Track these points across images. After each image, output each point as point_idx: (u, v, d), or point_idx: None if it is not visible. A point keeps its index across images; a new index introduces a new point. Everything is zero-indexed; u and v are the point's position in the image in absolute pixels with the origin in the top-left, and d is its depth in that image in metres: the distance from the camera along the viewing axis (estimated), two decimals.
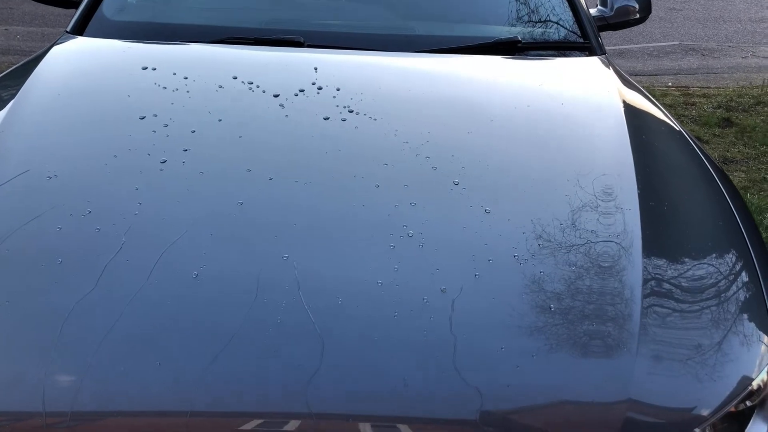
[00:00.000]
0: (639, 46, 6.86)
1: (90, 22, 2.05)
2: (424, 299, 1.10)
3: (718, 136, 4.43)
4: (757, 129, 4.51)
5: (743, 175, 3.85)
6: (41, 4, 2.53)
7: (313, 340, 1.02)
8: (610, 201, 1.37)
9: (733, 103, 5.02)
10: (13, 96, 1.66)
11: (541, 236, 1.25)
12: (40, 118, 1.56)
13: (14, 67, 2.05)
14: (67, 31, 2.07)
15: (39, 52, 2.01)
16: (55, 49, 1.93)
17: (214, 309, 1.09)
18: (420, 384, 1.00)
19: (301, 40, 1.92)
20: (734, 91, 5.36)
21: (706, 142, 4.30)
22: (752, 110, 4.92)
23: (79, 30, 2.03)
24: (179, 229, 1.21)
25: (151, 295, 1.10)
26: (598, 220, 1.31)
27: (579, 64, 2.00)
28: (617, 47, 6.62)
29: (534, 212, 1.31)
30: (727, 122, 4.66)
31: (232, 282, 1.12)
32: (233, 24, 2.04)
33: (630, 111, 1.73)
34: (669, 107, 4.88)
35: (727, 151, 4.18)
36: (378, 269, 1.14)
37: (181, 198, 1.29)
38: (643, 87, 1.94)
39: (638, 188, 1.40)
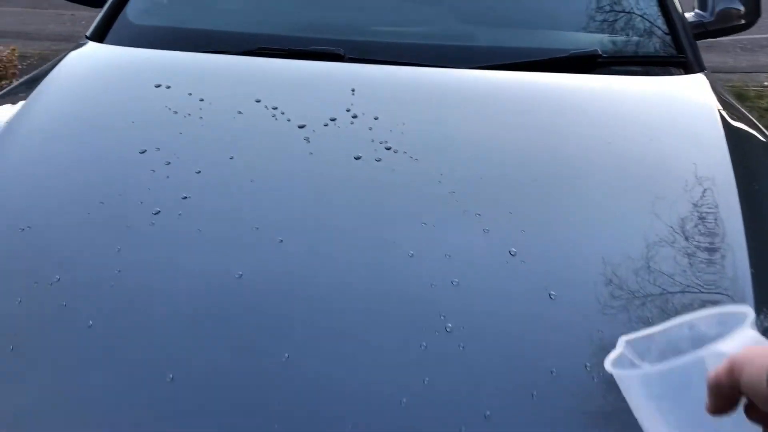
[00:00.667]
0: (731, 38, 6.27)
1: (112, 27, 1.84)
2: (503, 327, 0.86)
3: None
4: None
5: None
6: None
7: None
8: (713, 238, 1.13)
9: None
10: (12, 113, 1.47)
11: (631, 276, 0.98)
12: (29, 147, 1.35)
13: (28, 76, 1.87)
14: (86, 36, 1.87)
15: (55, 59, 1.82)
16: (68, 58, 1.72)
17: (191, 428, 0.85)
18: None
19: (341, 52, 1.65)
20: None
21: None
22: None
23: (100, 35, 1.83)
24: (159, 314, 0.97)
25: (114, 404, 0.87)
26: (700, 259, 1.06)
27: (672, 84, 1.66)
28: (704, 41, 6.07)
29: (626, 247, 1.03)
30: None
31: (214, 397, 0.87)
32: (266, 31, 1.78)
33: (738, 149, 1.40)
34: (765, 111, 4.38)
35: None
36: (403, 383, 0.88)
37: (168, 268, 1.05)
38: (735, 87, 1.62)
39: (744, 225, 1.16)
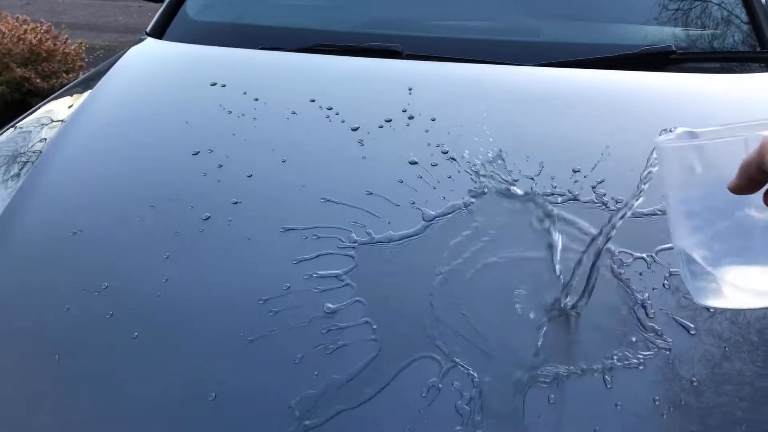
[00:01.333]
0: None
1: (171, 23, 1.85)
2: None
3: None
4: None
5: None
6: None
7: None
8: None
9: None
10: (70, 112, 1.48)
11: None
12: (85, 147, 1.35)
13: (92, 71, 1.89)
14: (146, 32, 1.88)
15: (115, 56, 1.83)
16: (127, 55, 1.73)
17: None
18: None
19: (399, 48, 1.60)
20: None
21: None
22: None
23: (159, 32, 1.84)
24: (204, 328, 0.95)
25: (163, 415, 0.85)
26: None
27: (755, 84, 1.54)
28: None
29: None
30: None
31: (256, 418, 0.84)
32: (323, 27, 1.75)
33: None
34: None
35: None
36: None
37: (215, 279, 1.02)
38: None
39: None
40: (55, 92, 3.37)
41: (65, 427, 0.85)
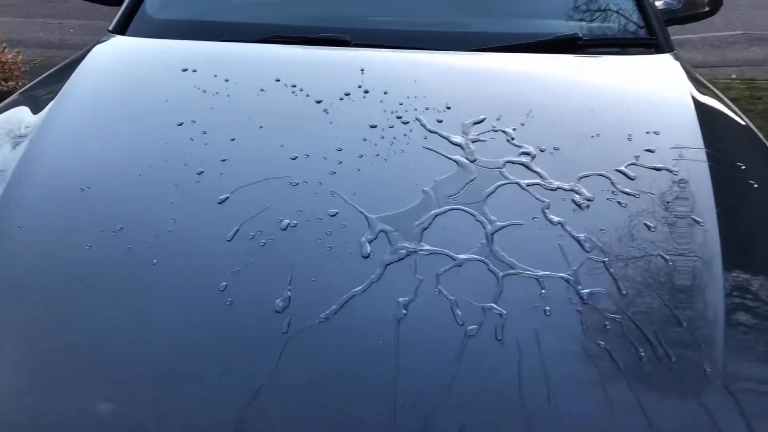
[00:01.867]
0: (700, 35, 6.54)
1: (132, 21, 2.00)
2: (492, 325, 1.00)
3: None
4: None
5: None
6: None
7: None
8: (684, 213, 1.24)
9: None
10: (51, 99, 1.61)
11: (610, 251, 1.13)
12: (76, 124, 1.50)
13: (56, 67, 2.01)
14: (109, 30, 2.02)
15: (80, 52, 1.97)
16: (96, 49, 1.88)
17: (241, 337, 1.01)
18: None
19: (348, 38, 1.82)
20: None
21: None
22: None
23: (122, 29, 1.99)
24: (212, 249, 1.14)
25: (181, 326, 1.03)
26: (672, 233, 1.19)
27: (645, 63, 1.85)
28: (676, 37, 6.34)
29: (602, 224, 1.19)
30: None
31: (266, 312, 1.04)
32: (277, 22, 1.95)
33: (704, 116, 1.58)
34: (733, 101, 4.62)
35: None
36: (427, 297, 1.05)
37: (216, 214, 1.21)
38: (705, 79, 1.78)
39: (714, 198, 1.27)
40: None
41: (100, 342, 1.01)
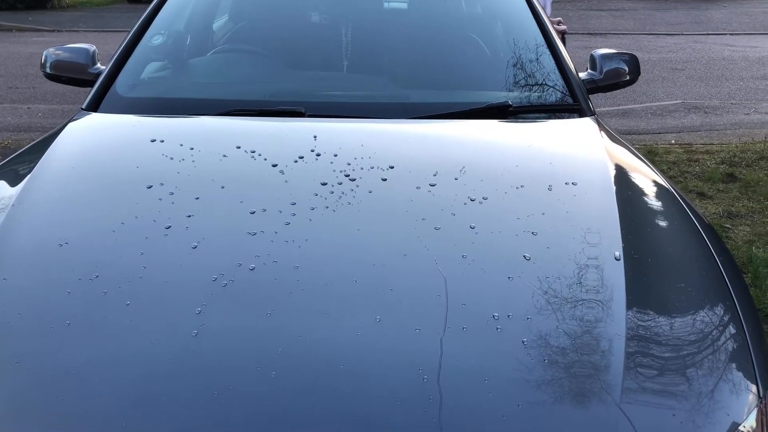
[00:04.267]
0: (642, 105, 6.99)
1: (104, 99, 2.17)
2: (413, 354, 1.15)
3: (722, 191, 4.48)
4: (761, 183, 4.55)
5: (748, 229, 3.87)
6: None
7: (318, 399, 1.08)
8: (594, 255, 1.42)
9: (736, 159, 5.08)
10: (30, 170, 1.76)
11: (526, 291, 1.30)
12: (54, 191, 1.65)
13: (34, 142, 2.17)
14: (82, 108, 2.19)
15: (56, 128, 2.13)
16: (71, 125, 2.04)
17: (212, 367, 1.14)
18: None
19: (302, 110, 2.02)
20: (737, 147, 5.43)
21: (710, 198, 4.35)
22: (756, 165, 4.97)
23: (94, 106, 2.15)
24: (181, 289, 1.28)
25: (153, 355, 1.16)
26: (582, 274, 1.36)
27: (568, 126, 2.08)
28: (621, 107, 6.76)
29: (519, 267, 1.36)
30: (731, 177, 4.71)
31: (230, 339, 1.18)
32: (238, 97, 2.15)
33: (617, 168, 1.80)
34: (673, 164, 4.95)
35: (732, 206, 4.21)
36: (368, 328, 1.20)
37: (183, 260, 1.36)
38: (646, 145, 1.99)
39: (623, 243, 1.45)
40: None
41: (79, 370, 1.14)
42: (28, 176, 1.71)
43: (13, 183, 1.74)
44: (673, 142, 5.75)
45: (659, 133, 6.06)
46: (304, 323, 1.21)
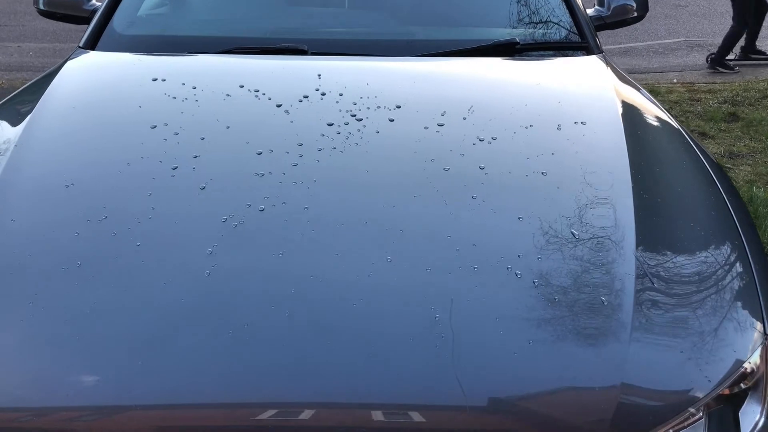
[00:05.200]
0: (644, 43, 6.88)
1: (101, 37, 2.12)
2: (424, 293, 1.16)
3: (724, 130, 4.45)
4: (763, 122, 4.53)
5: (749, 169, 3.87)
6: (53, 21, 2.61)
7: (323, 335, 1.08)
8: (604, 195, 1.41)
9: (738, 98, 5.04)
10: (30, 110, 1.73)
11: (536, 231, 1.30)
12: (56, 131, 1.62)
13: (31, 81, 2.13)
14: (79, 46, 2.14)
15: (54, 67, 2.08)
16: (69, 63, 2.00)
17: (226, 307, 1.14)
18: (420, 372, 1.05)
19: (305, 48, 1.98)
20: (740, 86, 5.38)
21: (712, 137, 4.33)
22: (758, 104, 4.94)
23: (92, 44, 2.10)
24: (191, 230, 1.27)
25: (166, 294, 1.16)
26: (592, 214, 1.36)
27: (576, 63, 2.05)
28: (622, 45, 6.65)
29: (529, 207, 1.36)
30: (733, 117, 4.68)
31: (243, 280, 1.18)
32: (239, 34, 2.10)
33: (626, 107, 1.78)
34: (675, 103, 4.90)
35: (733, 146, 4.20)
36: (379, 268, 1.20)
37: (192, 201, 1.35)
38: (648, 84, 1.97)
39: (632, 182, 1.44)
40: None
41: (93, 308, 1.14)
42: (29, 117, 1.68)
43: (13, 124, 1.71)
44: (675, 81, 5.69)
45: (661, 72, 5.99)
46: (316, 264, 1.21)
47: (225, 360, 1.06)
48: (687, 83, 5.58)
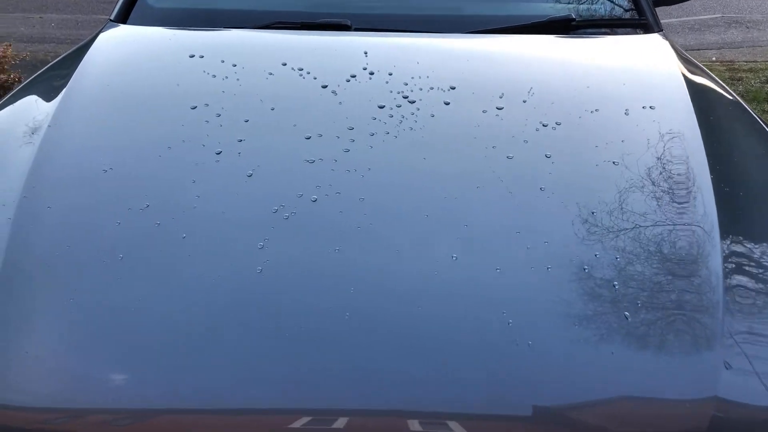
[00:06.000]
0: (679, 19, 6.66)
1: (134, 10, 2.03)
2: (495, 296, 1.06)
3: (767, 111, 4.29)
4: None
5: None
6: None
7: (374, 338, 1.00)
8: (682, 189, 1.30)
9: None
10: (62, 86, 1.64)
11: (612, 227, 1.20)
12: (91, 111, 1.54)
13: (62, 56, 2.04)
14: (110, 20, 2.05)
15: (85, 40, 1.99)
16: (101, 37, 1.90)
17: (279, 307, 1.06)
18: (494, 382, 0.96)
19: (348, 23, 1.87)
20: None
21: None
22: None
23: (123, 18, 2.01)
24: (240, 222, 1.19)
25: (215, 292, 1.08)
26: (671, 209, 1.25)
27: (636, 42, 1.92)
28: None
29: (603, 201, 1.25)
30: None
31: (298, 277, 1.09)
32: (279, 8, 1.99)
33: (694, 89, 1.65)
34: None
35: None
36: (444, 266, 1.11)
37: (239, 190, 1.26)
38: None
39: (710, 171, 1.34)
40: None
41: (135, 305, 1.06)
42: (62, 95, 1.59)
43: (45, 100, 1.62)
44: (714, 59, 5.49)
45: (699, 50, 5.79)
46: (376, 261, 1.12)
47: (278, 364, 0.98)
48: (726, 61, 5.39)
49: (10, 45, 3.85)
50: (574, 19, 1.92)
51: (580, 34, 1.93)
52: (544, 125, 1.44)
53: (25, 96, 1.74)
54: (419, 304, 1.05)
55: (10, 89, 3.59)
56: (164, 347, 1.01)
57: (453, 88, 1.56)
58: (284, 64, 1.67)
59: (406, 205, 1.24)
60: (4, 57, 3.67)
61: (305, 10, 1.99)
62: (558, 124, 1.45)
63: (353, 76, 1.60)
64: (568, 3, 2.08)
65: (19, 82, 3.63)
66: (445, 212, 1.21)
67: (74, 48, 2.02)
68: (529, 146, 1.38)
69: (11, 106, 1.69)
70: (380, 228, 1.18)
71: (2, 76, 3.60)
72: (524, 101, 1.53)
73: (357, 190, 1.25)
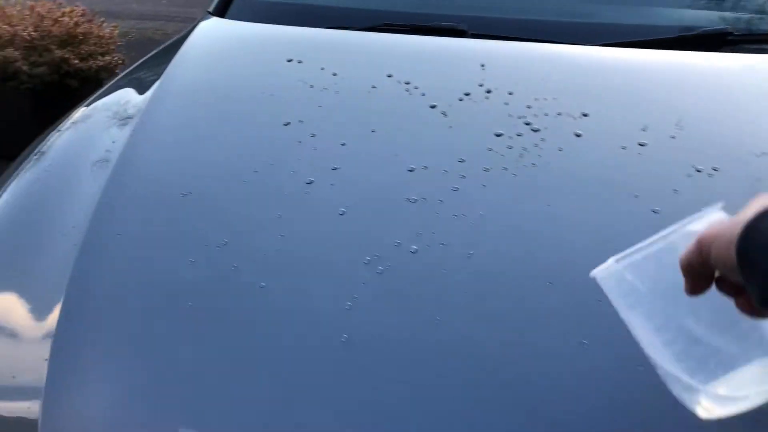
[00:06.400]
0: None
1: (233, 3, 1.90)
2: (630, 396, 0.85)
3: None
4: None
5: None
6: None
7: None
8: None
9: None
10: (154, 81, 1.54)
11: None
12: (177, 120, 1.41)
13: (158, 49, 1.94)
14: (208, 11, 1.93)
15: (181, 33, 1.89)
16: (196, 33, 1.78)
17: (364, 388, 0.88)
18: None
19: (465, 28, 1.66)
20: None
21: None
22: None
23: (221, 11, 1.89)
24: (326, 273, 1.01)
25: (291, 360, 0.91)
26: None
27: None
28: None
29: None
30: None
31: (389, 353, 0.91)
32: (387, 8, 1.80)
33: None
34: None
35: None
36: (572, 359, 0.89)
37: (329, 232, 1.08)
38: None
39: None
40: (92, 73, 3.39)
41: (204, 366, 0.92)
42: (149, 97, 1.48)
43: (134, 101, 1.52)
44: None
45: None
46: (485, 341, 0.92)
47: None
48: None
49: (117, 26, 3.85)
50: (731, 33, 1.63)
51: (738, 50, 1.64)
52: (698, 170, 1.18)
53: (119, 89, 1.65)
54: (538, 405, 0.85)
55: (113, 71, 3.60)
56: (233, 418, 0.86)
57: (585, 115, 1.33)
58: (389, 76, 1.48)
59: (524, 268, 1.03)
60: (110, 38, 3.67)
61: (416, 12, 1.79)
62: (715, 170, 1.19)
63: (467, 95, 1.40)
64: (722, 11, 1.78)
65: (123, 64, 3.63)
66: (573, 283, 0.99)
67: (171, 40, 1.91)
68: (679, 197, 1.13)
69: (101, 101, 1.60)
70: (491, 298, 0.98)
71: (107, 57, 3.61)
72: (672, 137, 1.27)
73: (465, 242, 1.05)
